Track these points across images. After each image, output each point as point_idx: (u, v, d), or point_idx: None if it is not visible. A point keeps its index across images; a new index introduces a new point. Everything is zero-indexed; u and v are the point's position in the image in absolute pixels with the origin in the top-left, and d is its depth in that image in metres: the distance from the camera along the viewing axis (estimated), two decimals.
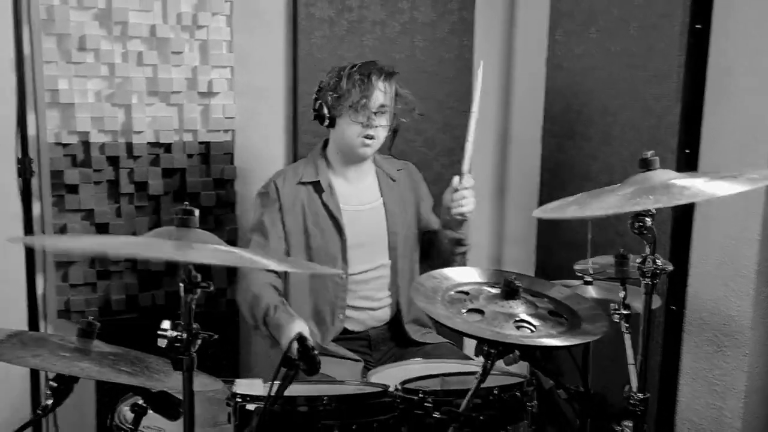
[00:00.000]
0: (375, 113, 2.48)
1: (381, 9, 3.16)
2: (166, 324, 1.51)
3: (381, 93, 2.48)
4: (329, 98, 2.48)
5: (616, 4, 2.87)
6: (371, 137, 2.50)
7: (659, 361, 2.71)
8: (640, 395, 1.89)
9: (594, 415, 2.13)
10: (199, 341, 1.52)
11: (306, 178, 2.57)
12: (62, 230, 2.75)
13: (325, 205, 2.56)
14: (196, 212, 1.53)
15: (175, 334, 1.50)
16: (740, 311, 2.51)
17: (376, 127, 2.49)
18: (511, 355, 1.73)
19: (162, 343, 1.50)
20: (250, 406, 1.77)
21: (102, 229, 2.81)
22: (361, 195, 2.63)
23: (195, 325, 1.52)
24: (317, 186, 2.57)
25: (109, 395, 2.72)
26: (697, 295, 2.64)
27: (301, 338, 1.65)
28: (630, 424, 1.92)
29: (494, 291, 1.78)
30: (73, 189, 2.76)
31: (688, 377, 2.70)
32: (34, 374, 2.59)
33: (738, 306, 2.52)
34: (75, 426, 2.82)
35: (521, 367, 2.02)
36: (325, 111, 2.50)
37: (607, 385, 2.45)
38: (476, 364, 2.31)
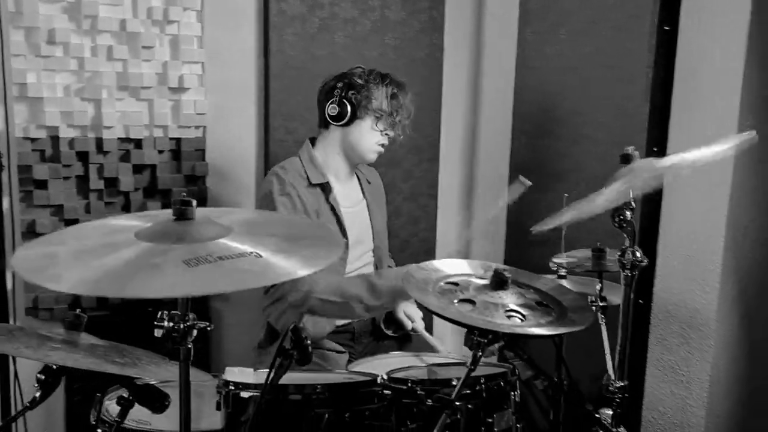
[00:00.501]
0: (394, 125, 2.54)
1: (352, 7, 3.17)
2: (162, 315, 1.50)
3: (405, 110, 2.56)
4: (362, 99, 2.49)
5: (587, 4, 2.93)
6: (384, 146, 2.57)
7: (627, 353, 2.77)
8: (620, 383, 1.96)
9: (572, 404, 2.19)
10: (195, 331, 1.53)
11: (315, 179, 2.53)
12: (30, 226, 2.70)
13: (330, 205, 2.55)
14: (194, 203, 1.52)
15: (171, 324, 1.50)
16: (706, 304, 2.59)
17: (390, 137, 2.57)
18: (489, 347, 1.77)
19: (158, 333, 1.50)
20: (245, 394, 1.77)
21: (71, 224, 2.76)
22: (350, 196, 2.66)
23: (191, 316, 1.52)
24: (324, 187, 2.55)
25: (80, 393, 2.69)
26: (664, 289, 2.71)
27: (295, 328, 1.65)
28: (610, 412, 1.98)
29: (482, 282, 1.81)
30: (42, 184, 2.72)
31: (654, 368, 2.77)
32: (4, 371, 2.53)
33: (704, 299, 2.59)
34: (44, 425, 2.76)
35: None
36: (349, 109, 2.50)
37: (579, 375, 2.51)
38: (456, 356, 2.36)
